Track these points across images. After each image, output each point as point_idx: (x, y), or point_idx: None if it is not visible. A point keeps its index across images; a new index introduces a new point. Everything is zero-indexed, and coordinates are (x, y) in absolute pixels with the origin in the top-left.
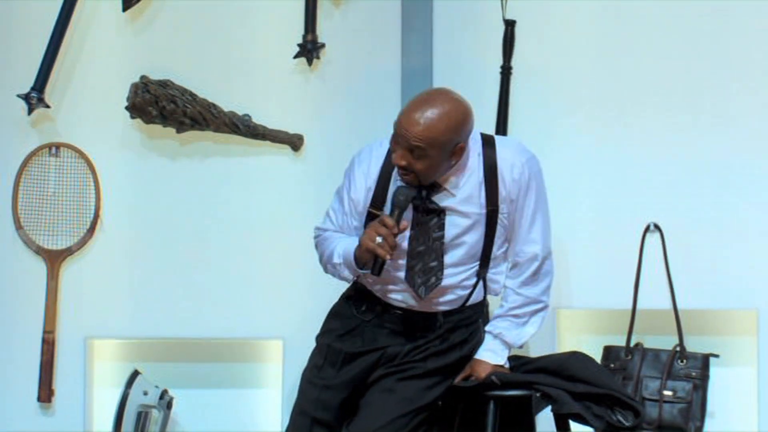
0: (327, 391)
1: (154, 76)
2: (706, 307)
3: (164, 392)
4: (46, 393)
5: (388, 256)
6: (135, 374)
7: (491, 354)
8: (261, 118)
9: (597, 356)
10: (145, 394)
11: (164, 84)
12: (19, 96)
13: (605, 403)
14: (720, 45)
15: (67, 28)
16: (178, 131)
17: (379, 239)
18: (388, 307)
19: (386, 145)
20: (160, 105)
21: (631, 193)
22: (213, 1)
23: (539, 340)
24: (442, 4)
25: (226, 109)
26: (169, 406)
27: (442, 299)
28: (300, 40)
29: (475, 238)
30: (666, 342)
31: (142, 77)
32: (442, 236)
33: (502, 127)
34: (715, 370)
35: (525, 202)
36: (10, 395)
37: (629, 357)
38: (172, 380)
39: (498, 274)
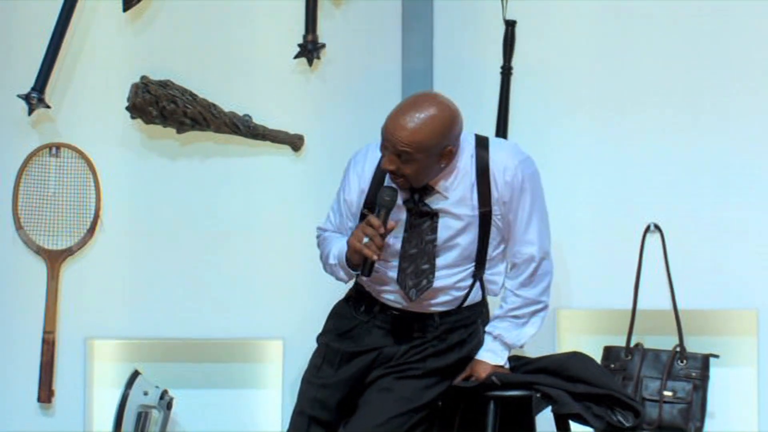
0: (324, 390)
1: (155, 76)
2: (706, 308)
3: (164, 392)
4: (46, 393)
5: (375, 257)
6: (135, 374)
7: (491, 354)
8: (261, 118)
9: (597, 356)
10: (146, 394)
11: (164, 84)
12: (19, 96)
13: (605, 403)
14: (720, 45)
15: (67, 29)
16: (179, 131)
17: (366, 240)
18: (385, 307)
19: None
20: (161, 105)
21: (632, 194)
22: (213, 1)
23: (539, 340)
24: (442, 4)
25: (226, 110)
26: (169, 406)
27: (436, 300)
28: (300, 41)
29: (468, 240)
30: (666, 342)
31: (143, 77)
32: (435, 239)
33: (502, 128)
34: (715, 371)
35: (519, 204)
36: (10, 395)
37: (629, 357)
38: (173, 380)
39: (496, 274)
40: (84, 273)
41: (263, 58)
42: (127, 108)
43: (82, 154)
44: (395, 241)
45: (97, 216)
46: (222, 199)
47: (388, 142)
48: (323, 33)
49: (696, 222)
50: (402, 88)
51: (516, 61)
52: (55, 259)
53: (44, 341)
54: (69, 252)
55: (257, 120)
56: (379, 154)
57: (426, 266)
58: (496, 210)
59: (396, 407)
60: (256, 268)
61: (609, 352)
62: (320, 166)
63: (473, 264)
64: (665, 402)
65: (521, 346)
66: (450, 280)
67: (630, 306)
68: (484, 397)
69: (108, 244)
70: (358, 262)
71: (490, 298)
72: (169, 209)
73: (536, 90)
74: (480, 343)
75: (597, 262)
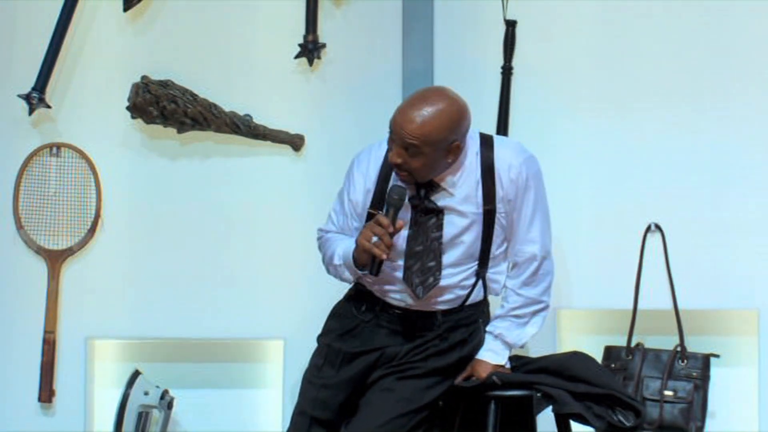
0: (326, 391)
1: (155, 76)
2: (707, 308)
3: (165, 392)
4: (46, 393)
5: (384, 256)
6: (136, 374)
7: (492, 354)
8: (262, 118)
9: (598, 356)
10: (146, 394)
11: (165, 84)
12: (20, 96)
13: (606, 403)
14: (721, 45)
15: (68, 28)
16: (179, 131)
17: (375, 239)
18: (387, 306)
19: (385, 147)
20: (161, 105)
21: (632, 193)
22: (214, 1)
23: (540, 340)
24: (442, 5)
25: (226, 109)
26: (169, 406)
27: (440, 299)
28: (301, 40)
29: (472, 238)
30: (667, 342)
31: (143, 77)
32: (441, 236)
33: (502, 128)
34: (715, 371)
35: (523, 202)
36: (11, 395)
37: (630, 357)
38: (173, 380)
39: (498, 273)
40: (85, 273)
41: (264, 58)
42: (128, 108)
43: (82, 154)
44: (400, 240)
45: (97, 216)
46: (222, 198)
47: (395, 135)
48: (324, 33)
49: (696, 222)
50: (402, 88)
51: (516, 61)
52: (55, 259)
53: (45, 341)
54: (70, 252)
55: (258, 120)
56: (383, 154)
57: (432, 263)
58: (500, 208)
59: (397, 408)
60: (257, 267)
61: (610, 351)
62: (321, 166)
63: (476, 262)
64: (666, 402)
65: (522, 346)
66: (455, 278)
67: (631, 306)
68: (485, 396)
69: (108, 244)
70: (366, 262)
71: (491, 298)
72: (169, 209)
73: (537, 90)
74: (481, 343)
75: (598, 262)
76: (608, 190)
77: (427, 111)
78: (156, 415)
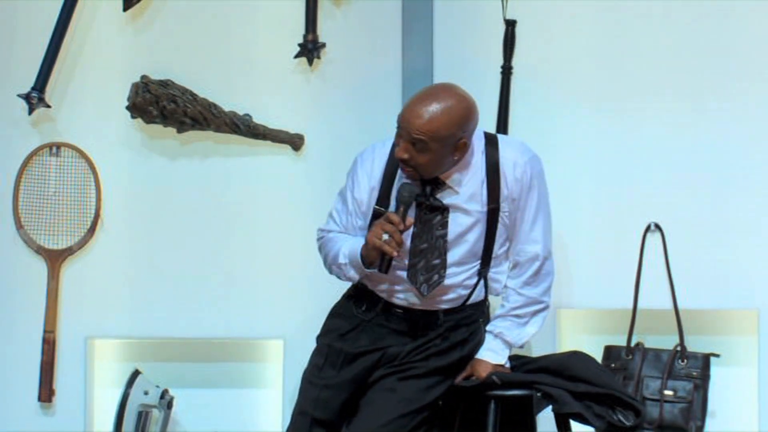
0: (327, 391)
1: (155, 75)
2: (707, 307)
3: (165, 392)
4: (46, 393)
5: (395, 253)
6: (135, 374)
7: (492, 354)
8: (261, 117)
9: (598, 356)
10: (146, 393)
11: (165, 84)
12: (19, 96)
13: (606, 402)
14: (722, 44)
15: (67, 28)
16: (179, 131)
17: (385, 236)
18: (388, 306)
19: (389, 145)
20: (161, 105)
21: (632, 193)
22: (214, 1)
23: (540, 339)
24: (442, 4)
25: (226, 109)
26: (169, 405)
27: (444, 297)
28: (300, 40)
29: (476, 236)
30: (667, 342)
31: (143, 77)
32: (446, 234)
33: (502, 127)
34: (715, 370)
35: (527, 202)
36: (11, 395)
37: (630, 357)
38: (173, 380)
39: (499, 273)
40: (84, 272)
41: (263, 57)
42: (128, 107)
43: (82, 154)
44: (405, 237)
45: (97, 215)
46: (222, 198)
47: (403, 130)
48: (323, 32)
49: (696, 221)
50: (402, 88)
51: (516, 61)
52: (55, 259)
53: (45, 341)
54: (69, 251)
55: (257, 119)
56: (387, 152)
57: (437, 261)
58: (504, 207)
59: (399, 408)
60: (257, 267)
61: (610, 351)
62: (320, 166)
63: (479, 261)
64: (666, 401)
65: (522, 346)
66: (458, 278)
67: (631, 305)
68: (485, 396)
69: (108, 243)
70: (375, 259)
71: (491, 298)
72: (169, 209)
73: (536, 89)
74: (481, 342)
75: (598, 262)
76: (608, 189)
77: (435, 107)
78: (156, 414)
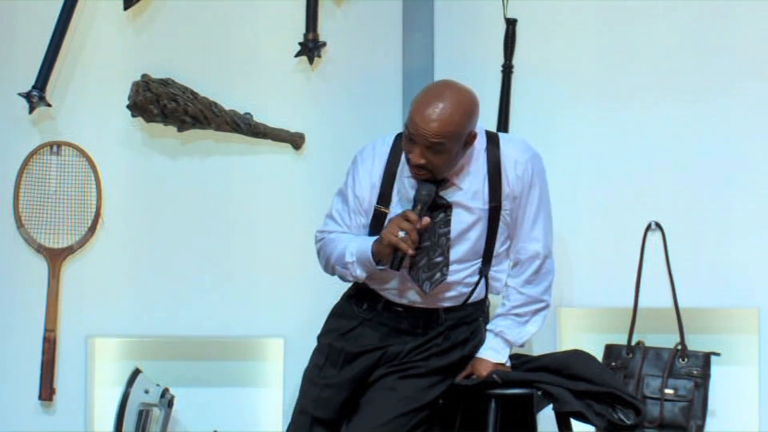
0: (327, 390)
1: (156, 74)
2: (708, 306)
3: (165, 391)
4: (47, 391)
5: (410, 251)
6: (136, 373)
7: (493, 352)
8: (262, 116)
9: (598, 355)
10: (147, 392)
11: (165, 82)
12: (20, 94)
13: (606, 401)
14: (723, 42)
15: (68, 27)
16: (179, 130)
17: (401, 234)
18: (389, 305)
19: (389, 142)
20: (161, 103)
21: (633, 192)
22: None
23: (541, 338)
24: (443, 3)
25: (227, 108)
26: (170, 404)
27: (444, 296)
28: (301, 39)
29: (477, 234)
30: (667, 340)
31: (143, 76)
32: (449, 232)
33: (503, 126)
34: (716, 369)
35: (528, 200)
36: (12, 394)
37: (630, 355)
38: (174, 379)
39: (500, 272)
40: (85, 271)
41: (264, 56)
42: (128, 106)
43: (83, 153)
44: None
45: (98, 214)
46: (223, 197)
47: (418, 137)
48: (324, 31)
49: (697, 220)
50: (403, 87)
51: (517, 60)
52: (56, 258)
53: (45, 339)
54: (70, 250)
55: (258, 118)
56: (387, 149)
57: (439, 259)
58: (505, 205)
59: (399, 407)
60: (257, 266)
61: (610, 350)
62: (321, 165)
63: (480, 260)
64: (666, 400)
65: (522, 345)
66: (459, 275)
67: (631, 304)
68: (486, 395)
69: (109, 242)
70: (388, 257)
71: (491, 296)
72: (169, 208)
73: (537, 88)
74: (482, 341)
75: (598, 261)
76: (608, 188)
77: (446, 107)
78: (156, 413)
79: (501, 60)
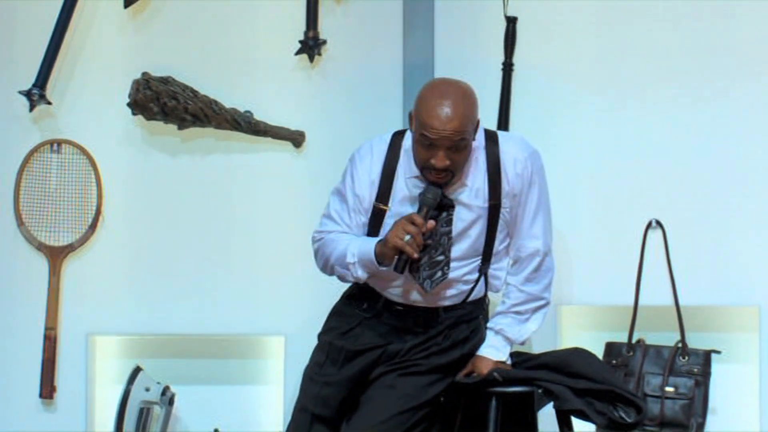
0: (328, 388)
1: (156, 72)
2: (708, 304)
3: (166, 388)
4: (48, 390)
5: (415, 255)
6: (137, 370)
7: (493, 350)
8: (262, 114)
9: (599, 352)
10: (147, 390)
11: (165, 81)
12: (20, 92)
13: (607, 399)
14: (723, 40)
15: (68, 25)
16: (180, 128)
17: (407, 237)
18: (389, 304)
19: (387, 140)
20: (162, 101)
21: (633, 190)
22: None
23: (541, 336)
24: (443, 1)
25: (227, 106)
26: (171, 402)
27: (445, 293)
28: (301, 37)
29: (477, 232)
30: (668, 338)
31: (144, 74)
32: (450, 231)
33: (503, 124)
34: (716, 367)
35: (528, 198)
36: (12, 392)
37: (631, 353)
38: (174, 376)
39: (499, 270)
40: (85, 269)
41: (264, 54)
42: (129, 104)
43: (83, 151)
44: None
45: (98, 212)
46: (223, 195)
47: (441, 141)
48: (324, 29)
49: (698, 218)
50: (403, 85)
51: (517, 58)
52: (56, 256)
53: (46, 337)
54: (70, 248)
55: (258, 116)
56: (385, 148)
57: (441, 258)
58: (505, 203)
59: (399, 404)
60: (258, 264)
61: (611, 348)
62: (321, 162)
63: (480, 257)
64: (667, 398)
65: (523, 343)
66: (458, 272)
67: (632, 302)
68: (486, 393)
69: (109, 240)
70: (391, 259)
71: (491, 295)
72: (170, 206)
73: (537, 86)
74: (482, 340)
75: (599, 258)
76: (609, 186)
77: (456, 103)
78: (157, 411)
79: (501, 58)
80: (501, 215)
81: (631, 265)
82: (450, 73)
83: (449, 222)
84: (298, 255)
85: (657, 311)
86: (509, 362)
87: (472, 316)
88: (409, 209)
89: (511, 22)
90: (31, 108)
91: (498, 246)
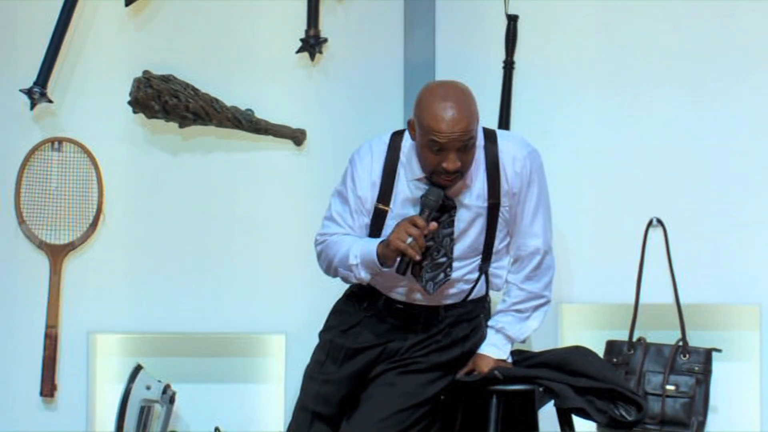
0: (328, 386)
1: (157, 70)
2: (709, 302)
3: (167, 387)
4: (48, 388)
5: (417, 257)
6: (137, 369)
7: (494, 349)
8: (263, 112)
9: (600, 351)
10: (148, 388)
11: (167, 79)
12: (21, 91)
13: (608, 397)
14: (724, 39)
15: (69, 23)
16: (181, 126)
17: (409, 240)
18: (389, 302)
19: (386, 140)
20: (163, 100)
21: (634, 188)
22: None
23: (542, 334)
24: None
25: (228, 104)
26: (171, 400)
27: (447, 292)
28: (302, 35)
29: (477, 231)
30: (669, 336)
31: (145, 72)
32: (452, 232)
33: (504, 122)
34: (717, 365)
35: (527, 196)
36: (13, 390)
37: (632, 351)
38: (175, 375)
39: (500, 268)
40: (86, 267)
41: (265, 52)
42: (130, 102)
43: (84, 149)
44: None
45: (99, 210)
46: (224, 193)
47: (451, 143)
48: (325, 27)
49: (699, 216)
50: (404, 83)
51: (518, 56)
52: (57, 254)
53: (47, 336)
54: (71, 246)
55: (259, 115)
56: (385, 148)
57: (443, 259)
58: (504, 202)
59: (399, 402)
60: (259, 262)
61: (612, 346)
62: (322, 161)
63: (480, 257)
64: (668, 396)
65: (523, 341)
66: (459, 272)
67: (632, 300)
68: (487, 391)
69: (110, 238)
70: (394, 261)
71: (491, 294)
72: (171, 204)
73: (538, 84)
74: (483, 338)
75: (600, 257)
76: (610, 184)
77: (459, 104)
78: (158, 409)
79: (502, 56)
80: (500, 214)
81: (632, 263)
82: (451, 71)
83: (451, 223)
84: (299, 253)
85: (658, 309)
86: (510, 360)
87: (473, 314)
88: (411, 211)
89: (512, 20)
90: (32, 106)
91: (498, 245)
